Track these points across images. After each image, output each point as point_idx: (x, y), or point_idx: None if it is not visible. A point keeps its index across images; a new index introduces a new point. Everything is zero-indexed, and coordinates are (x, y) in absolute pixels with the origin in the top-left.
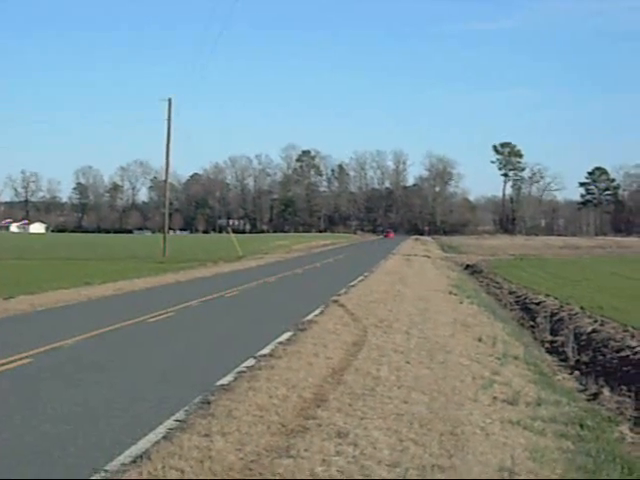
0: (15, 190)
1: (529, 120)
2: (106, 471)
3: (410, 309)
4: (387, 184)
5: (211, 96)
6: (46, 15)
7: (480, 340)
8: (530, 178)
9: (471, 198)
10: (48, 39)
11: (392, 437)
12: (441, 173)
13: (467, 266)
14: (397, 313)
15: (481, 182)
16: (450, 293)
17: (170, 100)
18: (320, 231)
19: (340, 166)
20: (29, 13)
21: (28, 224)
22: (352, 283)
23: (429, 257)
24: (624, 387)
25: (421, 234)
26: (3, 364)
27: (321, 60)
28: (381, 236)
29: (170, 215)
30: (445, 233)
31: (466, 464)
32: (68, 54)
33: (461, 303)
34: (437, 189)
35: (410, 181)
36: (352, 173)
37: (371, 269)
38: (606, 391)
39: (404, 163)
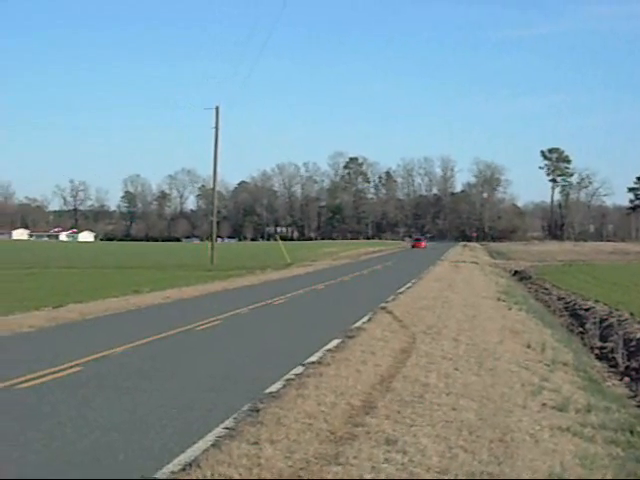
0: (64, 199)
1: (577, 125)
2: (156, 479)
3: (458, 316)
4: (435, 190)
5: (258, 103)
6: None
7: (529, 347)
8: (578, 184)
9: (519, 204)
10: (97, 49)
11: (441, 444)
12: (489, 179)
13: (515, 272)
14: (445, 320)
15: (529, 188)
16: (499, 299)
17: (217, 108)
18: (368, 238)
19: (387, 173)
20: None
21: (77, 233)
22: (400, 290)
23: (477, 263)
24: None
25: (469, 240)
26: (54, 372)
27: (369, 67)
28: (408, 245)
29: (218, 223)
30: (493, 239)
31: (515, 471)
32: (116, 63)
33: (510, 309)
34: (485, 195)
35: (458, 187)
36: (400, 180)
37: (419, 276)
38: None
39: (452, 169)
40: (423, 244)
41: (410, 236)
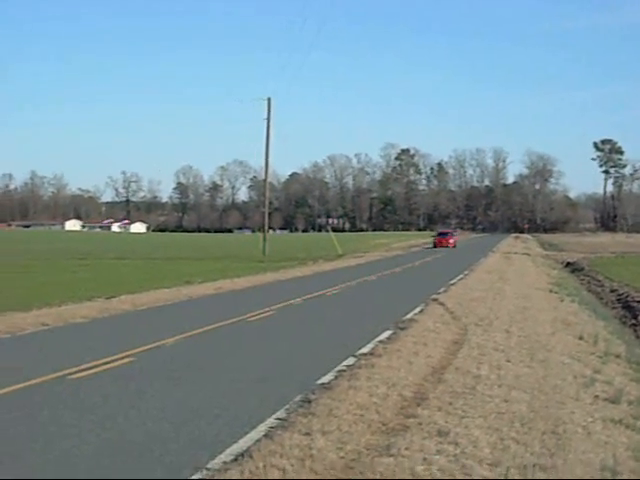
0: (116, 190)
1: (630, 116)
2: (208, 469)
3: (510, 307)
4: (487, 182)
5: (310, 95)
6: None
7: (581, 338)
8: (631, 175)
9: (571, 195)
10: (148, 40)
11: (493, 436)
12: (541, 170)
13: (567, 264)
14: (497, 311)
15: (581, 179)
16: (550, 291)
17: (269, 100)
18: (419, 229)
19: (439, 164)
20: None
21: (129, 224)
22: (452, 281)
23: (529, 255)
24: None
25: (521, 232)
26: (106, 363)
27: (420, 58)
28: (430, 242)
29: (270, 214)
30: (545, 231)
31: (568, 463)
32: (168, 54)
33: (562, 301)
34: (537, 187)
35: (510, 179)
36: (451, 171)
37: (471, 267)
38: None
39: (504, 161)
40: (452, 241)
41: (462, 227)
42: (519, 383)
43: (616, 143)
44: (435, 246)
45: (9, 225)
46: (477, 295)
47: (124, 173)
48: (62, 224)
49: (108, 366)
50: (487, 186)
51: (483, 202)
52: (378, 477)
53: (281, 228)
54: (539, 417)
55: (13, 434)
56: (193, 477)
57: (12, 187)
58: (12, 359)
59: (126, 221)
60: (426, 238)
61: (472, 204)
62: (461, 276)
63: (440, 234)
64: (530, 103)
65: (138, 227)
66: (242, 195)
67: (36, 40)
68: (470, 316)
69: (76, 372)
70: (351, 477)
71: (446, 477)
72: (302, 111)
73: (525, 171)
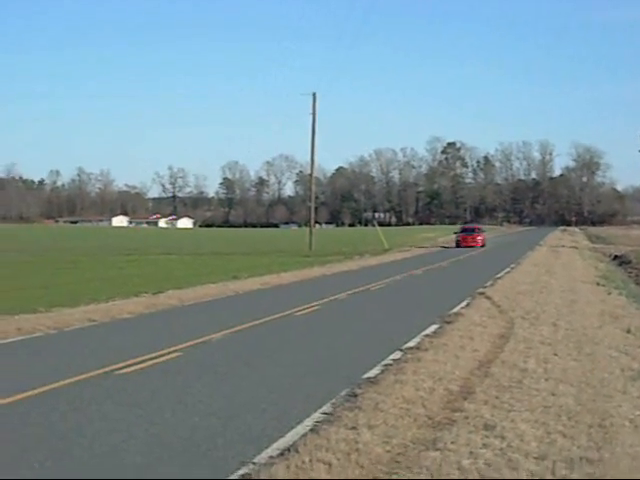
0: (163, 186)
1: None
2: (254, 464)
3: (557, 300)
4: (533, 175)
5: (356, 89)
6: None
7: (629, 331)
8: None
9: (619, 188)
10: (189, 34)
11: (539, 429)
12: (588, 163)
13: (615, 257)
14: (544, 305)
15: (629, 172)
16: (598, 284)
17: (314, 95)
18: (465, 223)
19: (486, 157)
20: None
21: (176, 219)
22: (498, 275)
23: (576, 248)
24: None
25: (568, 225)
26: (153, 358)
27: (465, 51)
28: (453, 240)
29: (316, 209)
30: (592, 224)
31: (614, 457)
32: (211, 48)
33: (609, 294)
34: (584, 179)
35: (557, 172)
36: (498, 164)
37: (518, 260)
38: None
39: (550, 154)
40: (479, 238)
41: (509, 221)
42: (566, 376)
43: None
44: (458, 245)
45: (56, 221)
46: (524, 289)
47: (171, 169)
48: (109, 220)
49: (155, 361)
50: (534, 179)
51: (530, 195)
52: (424, 472)
53: (327, 222)
54: (586, 410)
55: (62, 429)
56: (234, 475)
57: (59, 184)
58: (60, 355)
59: (173, 217)
60: None
61: (519, 197)
62: (508, 269)
63: (464, 230)
64: (577, 95)
65: (185, 223)
66: (288, 190)
67: (83, 36)
68: (517, 309)
69: (123, 367)
70: (396, 471)
71: (492, 471)
72: (348, 105)
73: (572, 164)
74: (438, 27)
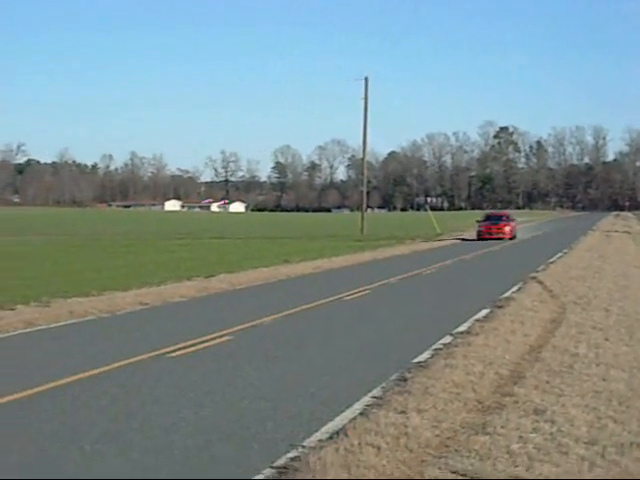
0: (215, 170)
1: None
2: (304, 446)
3: (609, 286)
4: (586, 160)
5: (408, 73)
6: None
7: None
8: None
9: None
10: (242, 21)
11: (590, 414)
12: None
13: None
14: (596, 290)
15: None
16: None
17: (366, 79)
18: (518, 208)
19: (538, 142)
20: None
21: (228, 203)
22: (551, 260)
23: (629, 233)
24: None
25: (621, 210)
26: (204, 342)
27: (518, 36)
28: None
29: (368, 193)
30: None
31: None
32: (266, 33)
33: None
34: (638, 164)
35: (610, 156)
36: (550, 149)
37: (570, 246)
38: None
39: (604, 138)
40: (507, 229)
41: (561, 206)
42: (617, 362)
43: None
44: (480, 237)
45: (109, 205)
46: (576, 273)
47: (223, 153)
48: (162, 204)
49: (206, 345)
50: (587, 164)
51: (583, 180)
52: (473, 455)
53: (379, 207)
54: (637, 396)
55: (112, 412)
56: (282, 459)
57: (112, 168)
58: (111, 338)
59: (225, 201)
60: (525, 217)
61: (571, 182)
62: (560, 254)
63: (489, 218)
64: (630, 79)
65: (237, 207)
66: (340, 174)
67: (138, 20)
68: (569, 294)
69: (174, 351)
70: (445, 455)
71: (542, 455)
72: (400, 89)
73: (625, 148)
74: (489, 11)
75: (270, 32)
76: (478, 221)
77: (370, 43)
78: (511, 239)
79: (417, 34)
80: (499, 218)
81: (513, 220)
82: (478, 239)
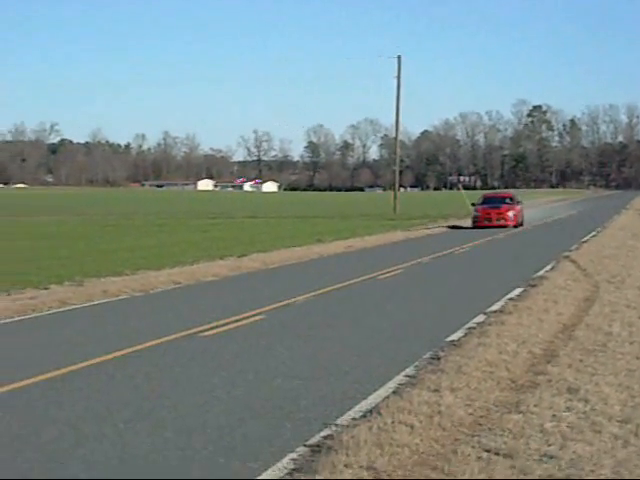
0: (248, 150)
1: None
2: (337, 425)
3: None
4: (620, 138)
5: (441, 51)
6: None
7: None
8: None
9: None
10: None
11: (623, 393)
12: None
13: None
14: (630, 269)
15: None
16: None
17: (399, 58)
18: (552, 187)
19: (572, 121)
20: None
21: (261, 183)
22: (584, 239)
23: None
24: None
25: None
26: (236, 321)
27: (551, 13)
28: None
29: (401, 172)
30: None
31: None
32: (297, 11)
33: None
34: None
35: None
36: (584, 127)
37: (603, 224)
38: None
39: (638, 116)
40: (510, 214)
41: (595, 184)
42: None
43: None
44: (476, 224)
45: (142, 185)
46: (609, 252)
47: (256, 132)
48: (195, 184)
49: (238, 324)
50: (620, 142)
51: (617, 159)
52: (506, 434)
53: (412, 186)
54: None
55: (146, 390)
56: (316, 437)
57: (145, 148)
58: (144, 317)
59: (258, 180)
60: (559, 195)
61: (605, 161)
62: (594, 233)
63: (487, 200)
64: None
65: (270, 186)
66: (373, 153)
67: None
68: (602, 273)
69: (207, 330)
70: (478, 434)
71: (575, 433)
72: (433, 68)
73: None
74: None
75: (304, 11)
76: (474, 204)
77: (403, 21)
78: (515, 227)
79: (450, 12)
80: (501, 200)
81: (518, 203)
82: (473, 227)
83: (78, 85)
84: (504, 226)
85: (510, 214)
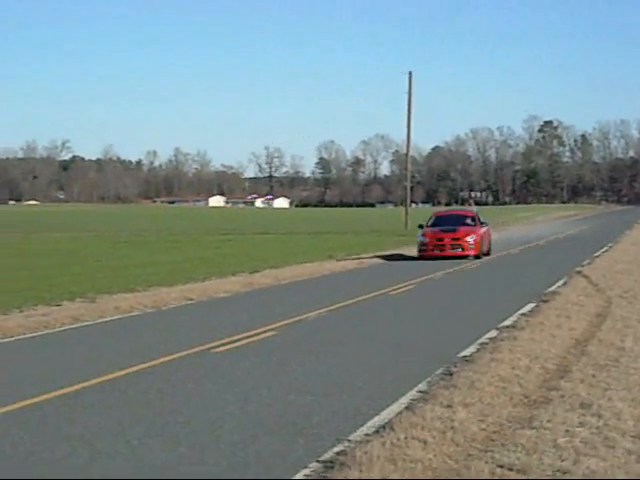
0: (259, 166)
1: None
2: (350, 441)
3: None
4: (631, 153)
5: (451, 67)
6: None
7: None
8: None
9: None
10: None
11: (637, 408)
12: None
13: None
14: None
15: None
16: None
17: (410, 73)
18: (563, 202)
19: (583, 136)
20: None
21: (272, 199)
22: (596, 254)
23: None
24: None
25: None
26: (248, 337)
27: (562, 29)
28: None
29: (412, 188)
30: None
31: None
32: (307, 27)
33: None
34: None
35: None
36: (595, 143)
37: (615, 239)
38: None
39: None
40: (469, 239)
41: (607, 200)
42: None
43: None
44: (423, 253)
45: (153, 202)
46: (622, 267)
47: (267, 149)
48: (206, 200)
49: (251, 340)
50: (632, 157)
51: (628, 174)
52: (519, 449)
53: (423, 202)
54: None
55: (158, 407)
56: (329, 453)
57: (157, 164)
58: (157, 334)
59: (269, 196)
60: (570, 211)
61: (617, 176)
62: (606, 248)
63: (439, 220)
64: None
65: (281, 202)
66: (384, 169)
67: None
68: (614, 288)
69: (219, 346)
70: (491, 449)
71: (589, 449)
72: (444, 84)
73: None
74: (535, 4)
75: (315, 26)
76: (421, 226)
77: (414, 38)
78: (477, 257)
79: (461, 28)
80: (457, 221)
81: (483, 225)
82: (419, 257)
83: (89, 102)
84: (461, 256)
85: (470, 239)
